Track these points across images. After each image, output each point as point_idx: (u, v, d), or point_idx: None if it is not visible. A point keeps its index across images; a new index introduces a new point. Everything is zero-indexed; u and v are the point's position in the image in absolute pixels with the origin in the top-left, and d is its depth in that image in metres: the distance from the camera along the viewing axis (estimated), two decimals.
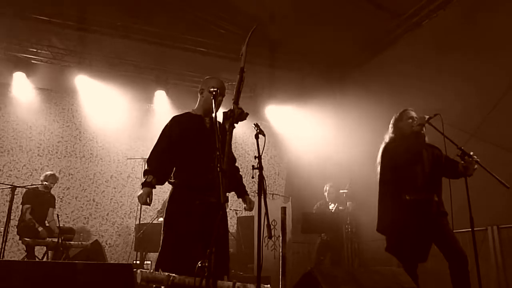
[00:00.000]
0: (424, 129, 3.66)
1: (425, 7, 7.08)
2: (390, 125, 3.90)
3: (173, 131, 3.21)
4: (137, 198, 3.08)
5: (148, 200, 3.04)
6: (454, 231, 3.60)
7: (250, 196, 3.40)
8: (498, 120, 5.73)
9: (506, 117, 5.64)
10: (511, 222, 5.29)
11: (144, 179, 3.10)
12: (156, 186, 3.11)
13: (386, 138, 3.88)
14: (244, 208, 3.39)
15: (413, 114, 3.80)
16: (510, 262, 5.26)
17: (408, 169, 3.65)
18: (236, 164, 3.49)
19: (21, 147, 7.66)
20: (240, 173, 3.50)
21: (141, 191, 3.04)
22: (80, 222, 7.72)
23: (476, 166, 3.48)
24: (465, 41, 6.34)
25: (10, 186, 5.53)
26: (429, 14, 7.09)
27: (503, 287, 5.17)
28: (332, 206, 6.61)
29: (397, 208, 3.61)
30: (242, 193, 3.39)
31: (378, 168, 3.83)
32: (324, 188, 6.84)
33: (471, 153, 3.46)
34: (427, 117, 3.62)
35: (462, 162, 3.49)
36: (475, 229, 3.33)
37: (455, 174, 3.63)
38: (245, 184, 3.47)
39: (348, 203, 6.41)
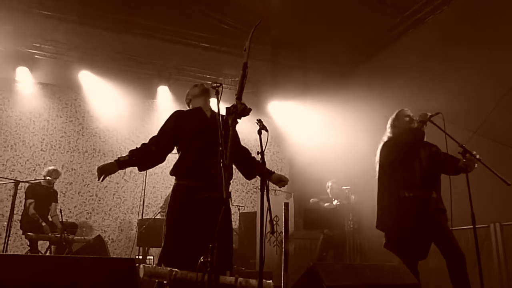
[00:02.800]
0: (425, 126, 3.67)
1: (429, 3, 7.05)
2: (388, 126, 3.95)
3: (170, 122, 3.26)
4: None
5: (100, 173, 2.95)
6: (457, 228, 3.61)
7: (276, 173, 3.28)
8: (501, 117, 5.71)
9: (509, 114, 5.62)
10: None
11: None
12: (127, 165, 3.07)
13: (384, 138, 3.93)
14: (278, 188, 3.30)
15: (409, 113, 3.86)
16: None
17: (406, 166, 3.67)
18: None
19: (24, 142, 7.69)
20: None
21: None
22: (83, 217, 7.74)
23: (477, 164, 3.48)
24: (469, 37, 6.31)
25: (13, 181, 5.55)
26: (433, 11, 7.06)
27: (506, 284, 5.17)
28: (335, 202, 6.62)
29: (396, 205, 3.63)
30: (268, 174, 3.24)
31: (377, 166, 3.85)
32: (327, 185, 6.84)
33: (474, 152, 3.46)
34: (429, 114, 3.63)
35: (464, 160, 3.49)
36: (477, 226, 3.34)
37: (454, 170, 3.64)
38: (248, 181, 3.44)
39: (352, 196, 6.40)
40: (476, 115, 5.99)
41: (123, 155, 3.10)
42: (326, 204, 6.65)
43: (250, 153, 3.43)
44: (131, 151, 3.13)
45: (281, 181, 3.24)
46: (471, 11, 6.42)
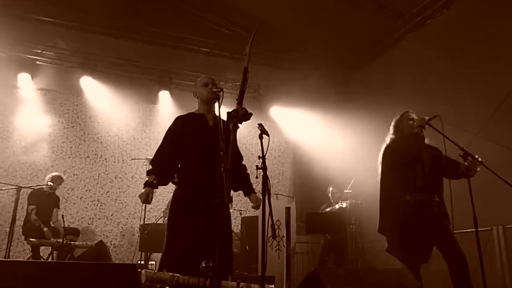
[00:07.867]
0: (424, 131, 3.67)
1: (429, 7, 7.07)
2: (391, 127, 3.95)
3: (176, 131, 3.24)
4: (138, 198, 3.15)
5: (148, 199, 3.08)
6: (459, 231, 3.59)
7: (256, 194, 3.36)
8: (502, 120, 5.70)
9: (510, 116, 5.62)
10: None
11: (146, 179, 3.13)
12: (157, 186, 3.13)
13: (387, 140, 3.92)
14: (252, 206, 3.35)
15: (413, 116, 3.85)
16: None
17: (408, 170, 3.66)
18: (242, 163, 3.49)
19: (26, 147, 7.69)
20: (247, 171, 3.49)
21: (143, 190, 3.07)
22: (85, 222, 7.74)
23: (479, 167, 3.46)
24: (469, 40, 6.32)
25: (15, 187, 5.55)
26: (433, 14, 7.08)
27: (509, 287, 5.14)
28: (337, 206, 6.62)
29: (398, 208, 3.61)
30: (249, 191, 3.37)
31: (379, 169, 3.85)
32: (328, 190, 6.85)
33: (476, 156, 3.44)
34: (427, 118, 3.63)
35: (465, 163, 3.48)
36: (480, 229, 3.32)
37: (456, 174, 3.63)
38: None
39: (351, 200, 6.40)
40: (478, 117, 5.99)
41: (147, 178, 3.16)
42: (337, 206, 6.63)
43: (243, 164, 3.44)
44: (149, 172, 3.17)
45: (256, 204, 3.28)
46: (471, 14, 6.43)
